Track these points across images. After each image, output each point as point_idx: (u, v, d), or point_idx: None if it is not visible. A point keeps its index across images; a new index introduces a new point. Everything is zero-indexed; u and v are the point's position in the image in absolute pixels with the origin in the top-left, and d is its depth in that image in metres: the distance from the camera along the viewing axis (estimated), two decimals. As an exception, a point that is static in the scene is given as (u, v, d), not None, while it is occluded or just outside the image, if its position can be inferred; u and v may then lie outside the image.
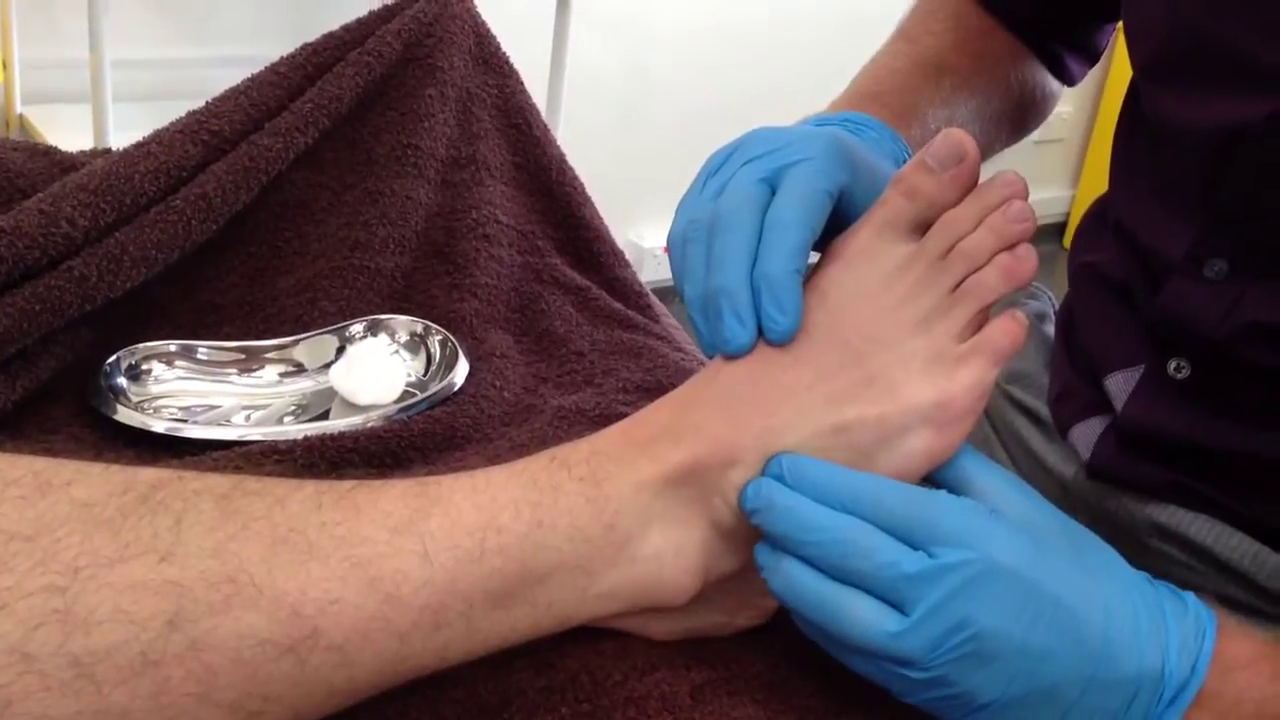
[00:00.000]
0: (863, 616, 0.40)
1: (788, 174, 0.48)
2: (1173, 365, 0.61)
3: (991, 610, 0.40)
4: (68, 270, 0.57)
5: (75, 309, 0.57)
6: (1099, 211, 0.75)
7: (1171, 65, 0.59)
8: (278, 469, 0.51)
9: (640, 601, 0.44)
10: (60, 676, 0.32)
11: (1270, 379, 0.57)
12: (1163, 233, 0.61)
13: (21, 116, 1.66)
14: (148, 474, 0.37)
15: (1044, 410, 0.73)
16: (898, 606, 0.40)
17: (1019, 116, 0.78)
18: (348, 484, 0.40)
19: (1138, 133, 0.67)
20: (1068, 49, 0.79)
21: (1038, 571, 0.41)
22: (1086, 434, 0.67)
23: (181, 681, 0.34)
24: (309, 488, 0.39)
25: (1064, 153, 3.32)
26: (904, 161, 0.59)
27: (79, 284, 0.57)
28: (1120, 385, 0.64)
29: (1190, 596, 0.45)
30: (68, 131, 1.54)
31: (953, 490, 0.45)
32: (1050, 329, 0.78)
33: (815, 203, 0.47)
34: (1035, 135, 3.01)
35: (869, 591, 0.41)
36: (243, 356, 0.63)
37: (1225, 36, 0.54)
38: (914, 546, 0.41)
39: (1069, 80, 0.81)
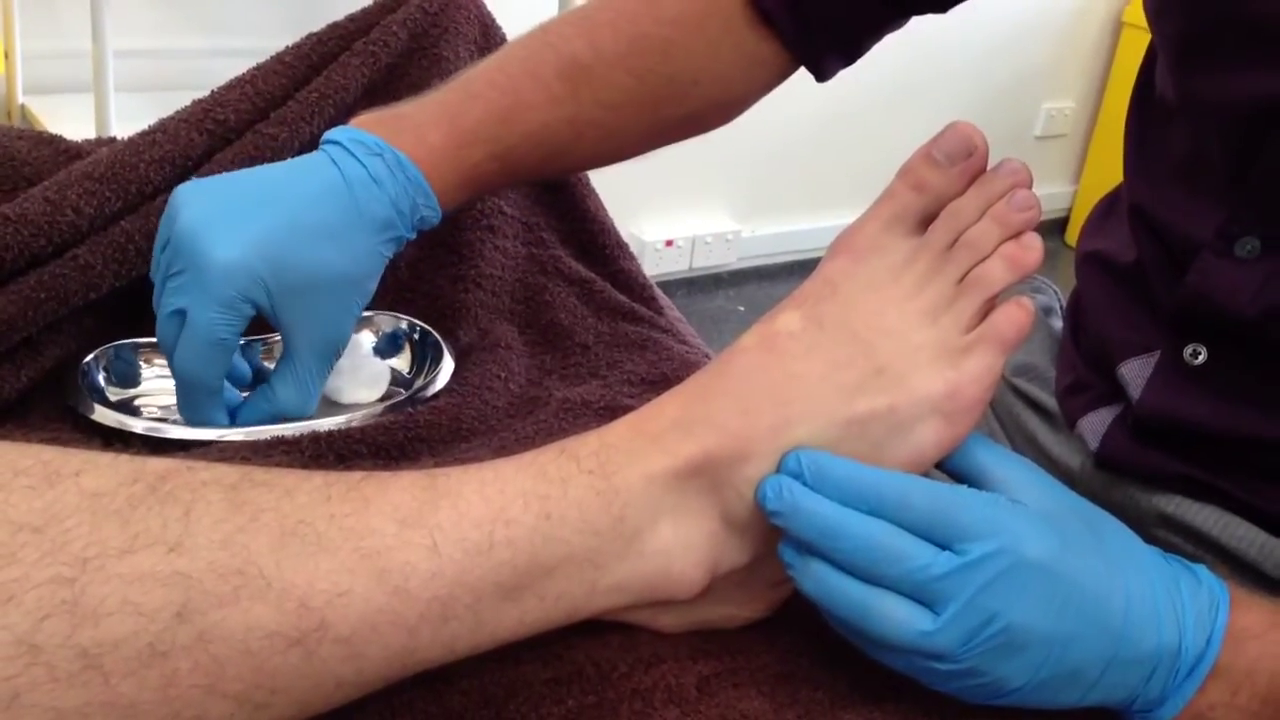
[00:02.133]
0: (895, 617, 0.41)
1: (190, 317, 0.54)
2: (1189, 351, 0.60)
3: (1020, 603, 0.41)
4: (73, 258, 0.56)
5: (80, 297, 0.57)
6: (1108, 203, 0.74)
7: (1202, 42, 0.58)
8: (285, 460, 0.51)
9: (649, 595, 0.44)
10: (68, 668, 0.32)
11: None
12: (1188, 214, 0.60)
13: (23, 107, 1.66)
14: (156, 464, 0.37)
15: (1050, 402, 0.73)
16: (928, 605, 0.41)
17: (686, 123, 0.70)
18: (356, 476, 0.40)
19: (1156, 116, 0.66)
20: (838, 50, 0.69)
21: (1061, 561, 0.41)
22: (1095, 424, 0.66)
23: (189, 673, 0.34)
24: (317, 479, 0.39)
25: (1066, 148, 3.31)
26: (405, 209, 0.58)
27: (84, 272, 0.57)
28: (1135, 373, 0.63)
29: (1202, 570, 0.46)
30: (69, 122, 1.54)
31: (968, 480, 0.45)
32: (1056, 323, 0.78)
33: (210, 359, 0.55)
34: (1038, 130, 2.98)
35: (899, 592, 0.41)
36: None
37: (1259, 9, 0.53)
38: (940, 544, 0.41)
39: (824, 77, 0.70)
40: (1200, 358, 0.60)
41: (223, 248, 0.53)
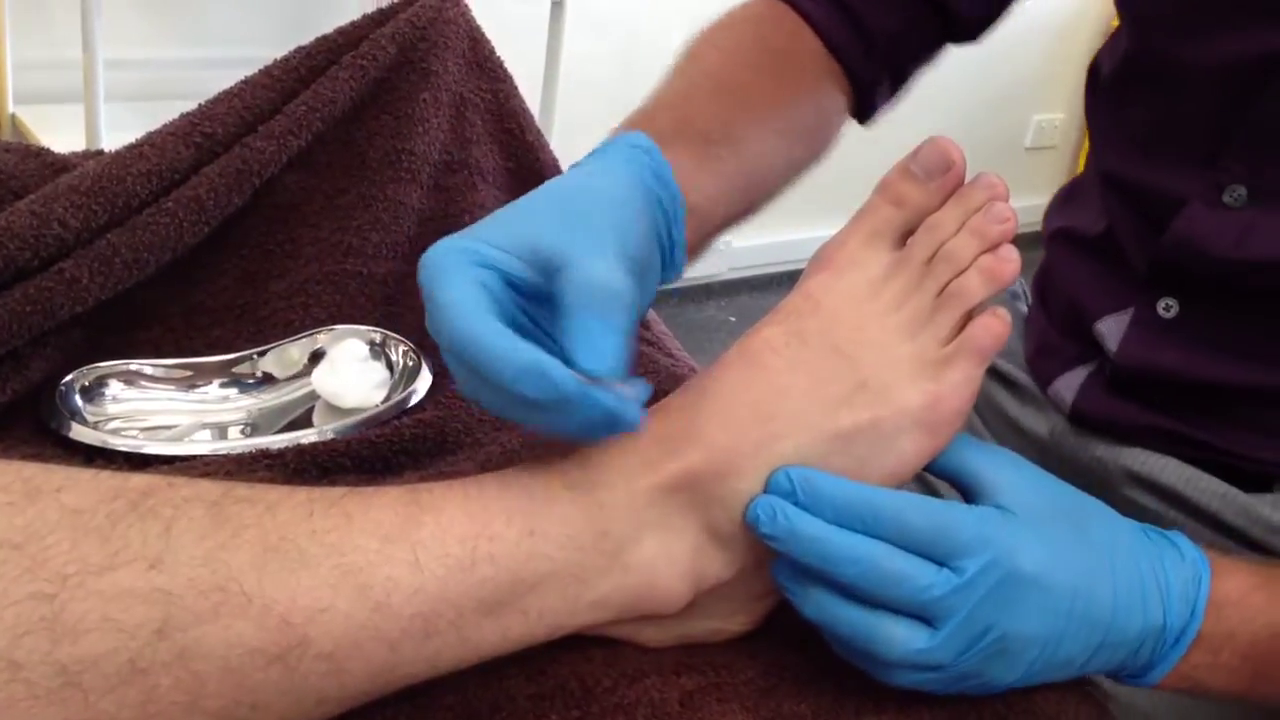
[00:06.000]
0: (894, 636, 0.42)
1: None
2: (1161, 305, 0.64)
3: (1014, 614, 0.42)
4: (59, 271, 0.56)
5: (66, 310, 0.57)
6: (1069, 190, 0.78)
7: (1186, 7, 0.60)
8: (269, 475, 0.50)
9: (633, 610, 0.44)
10: (47, 685, 0.32)
11: (1256, 310, 0.60)
12: (1170, 175, 0.63)
13: (14, 116, 1.66)
14: (138, 480, 0.37)
15: (1017, 374, 0.76)
16: (926, 620, 0.42)
17: (815, 142, 0.68)
18: (339, 491, 0.40)
19: (1130, 84, 0.68)
20: (890, 79, 0.72)
21: (1054, 570, 0.43)
22: (1070, 383, 0.69)
23: (169, 690, 0.34)
24: (300, 495, 0.39)
25: (1055, 160, 3.33)
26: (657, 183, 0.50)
27: (70, 285, 0.56)
28: (1111, 329, 0.67)
29: (1185, 543, 0.48)
30: (60, 132, 1.54)
31: (955, 481, 0.46)
32: (1021, 306, 0.80)
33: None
34: (1028, 142, 2.99)
35: (898, 611, 0.42)
36: (190, 373, 0.62)
37: None
38: (936, 560, 0.42)
39: (866, 117, 0.73)
40: (1172, 311, 0.63)
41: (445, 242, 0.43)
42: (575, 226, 0.42)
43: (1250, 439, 0.63)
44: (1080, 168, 3.30)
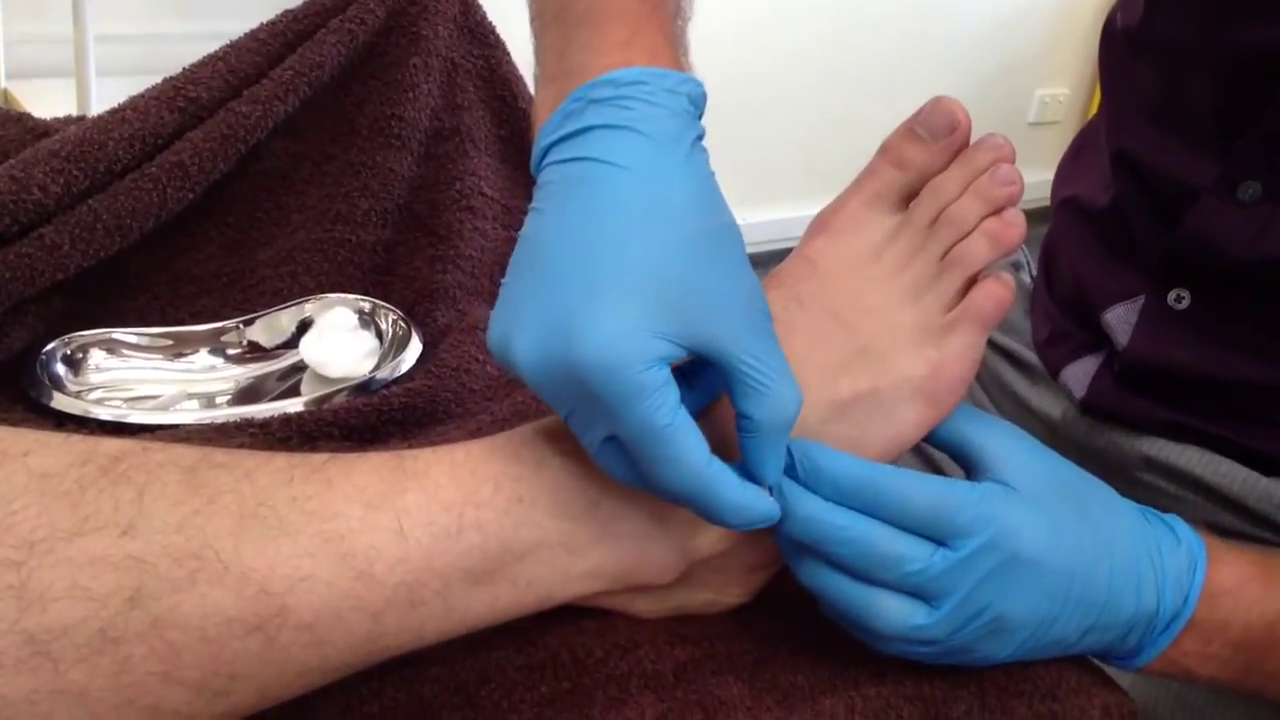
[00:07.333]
0: (891, 612, 0.41)
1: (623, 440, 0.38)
2: (1173, 296, 0.61)
3: (1012, 596, 0.41)
4: (39, 238, 0.55)
5: (47, 277, 0.56)
6: (1078, 144, 0.75)
7: None
8: (250, 443, 0.49)
9: (625, 580, 0.43)
10: (15, 654, 0.31)
11: (1273, 304, 0.58)
12: (1180, 160, 0.60)
13: (5, 91, 1.64)
14: (110, 444, 0.36)
15: (1026, 354, 0.74)
16: (923, 598, 0.41)
17: None
18: (321, 457, 0.39)
19: (1144, 62, 0.65)
20: None
21: (1052, 552, 0.42)
22: (1080, 373, 0.67)
23: (143, 660, 0.33)
24: (280, 461, 0.38)
25: (1060, 135, 3.30)
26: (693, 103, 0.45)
27: (51, 252, 0.55)
28: (1120, 319, 0.64)
29: (1183, 528, 0.47)
30: (52, 106, 1.51)
31: (957, 453, 0.45)
32: (1025, 277, 0.79)
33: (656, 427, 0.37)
34: (1031, 117, 2.97)
35: (895, 589, 0.41)
36: (176, 342, 0.61)
37: None
38: (936, 539, 0.41)
39: None
40: (1184, 302, 0.61)
41: (593, 337, 0.37)
42: (741, 321, 0.39)
43: (1270, 434, 0.61)
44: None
